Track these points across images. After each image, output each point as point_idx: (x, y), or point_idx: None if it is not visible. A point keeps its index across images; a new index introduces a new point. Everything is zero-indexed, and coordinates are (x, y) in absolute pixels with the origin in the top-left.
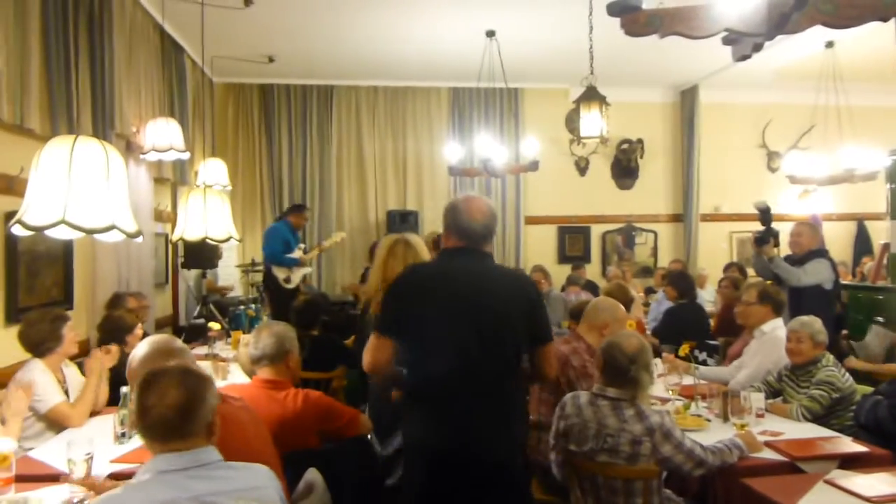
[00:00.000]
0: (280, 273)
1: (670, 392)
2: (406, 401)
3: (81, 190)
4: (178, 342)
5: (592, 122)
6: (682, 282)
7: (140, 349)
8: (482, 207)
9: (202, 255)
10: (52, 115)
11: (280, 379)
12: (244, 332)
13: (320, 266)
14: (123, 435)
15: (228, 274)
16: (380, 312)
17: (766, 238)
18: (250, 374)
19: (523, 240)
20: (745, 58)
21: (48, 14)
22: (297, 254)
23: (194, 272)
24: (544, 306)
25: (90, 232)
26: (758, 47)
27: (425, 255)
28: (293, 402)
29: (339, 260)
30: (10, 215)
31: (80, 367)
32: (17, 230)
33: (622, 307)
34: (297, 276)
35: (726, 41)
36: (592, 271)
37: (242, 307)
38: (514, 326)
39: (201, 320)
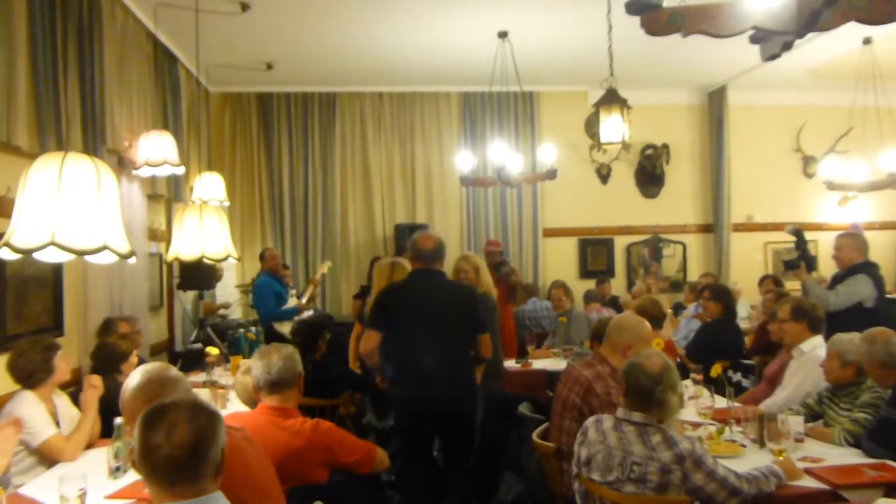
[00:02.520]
0: (282, 328)
1: (702, 416)
2: (393, 374)
3: (71, 210)
4: (173, 371)
5: (613, 126)
6: (727, 297)
7: (133, 379)
8: (432, 238)
9: (199, 275)
10: (40, 132)
11: (289, 406)
12: (244, 357)
13: (324, 285)
14: (118, 469)
15: (228, 295)
16: (370, 314)
17: (796, 263)
18: (251, 403)
19: (541, 254)
20: (774, 57)
21: (35, 25)
22: (292, 302)
23: (191, 294)
24: (480, 306)
25: (81, 253)
26: (787, 46)
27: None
28: (301, 431)
29: (343, 278)
30: None
31: (72, 396)
32: (4, 253)
33: (647, 325)
34: (305, 299)
35: (754, 39)
36: (617, 286)
37: (242, 330)
38: (458, 321)
39: (199, 345)
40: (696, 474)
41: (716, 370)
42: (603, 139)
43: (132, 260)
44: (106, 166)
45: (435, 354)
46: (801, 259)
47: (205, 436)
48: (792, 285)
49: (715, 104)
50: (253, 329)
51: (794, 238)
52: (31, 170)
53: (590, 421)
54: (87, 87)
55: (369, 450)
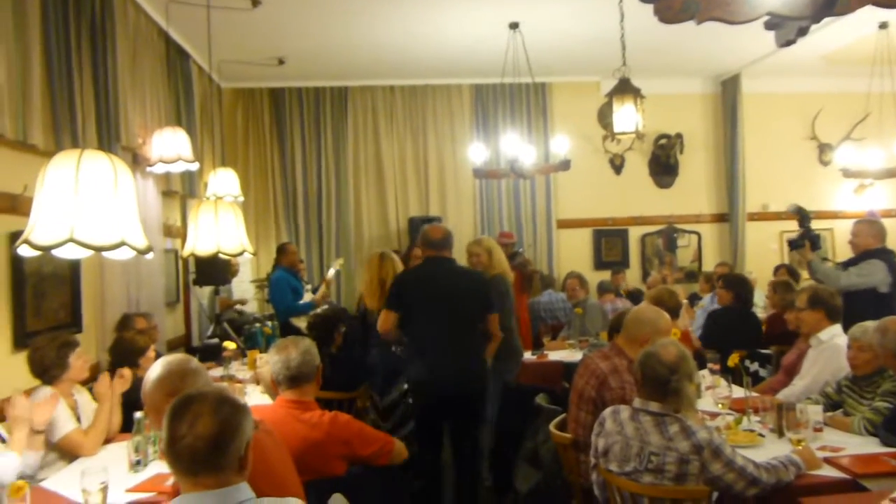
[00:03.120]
0: (298, 322)
1: (720, 406)
2: (408, 354)
3: (89, 206)
4: (194, 362)
5: (627, 116)
6: (739, 286)
7: (154, 371)
8: (440, 228)
9: (215, 270)
10: (55, 130)
11: (307, 399)
12: (261, 352)
13: (339, 279)
14: (138, 463)
15: (243, 290)
16: (388, 296)
17: (801, 242)
18: (274, 394)
19: (556, 245)
20: (789, 43)
21: (49, 24)
22: (308, 297)
23: (207, 289)
24: (489, 289)
25: (99, 249)
26: (803, 31)
27: (399, 264)
28: (320, 424)
29: (358, 272)
30: (14, 236)
31: (91, 391)
32: (24, 251)
33: (666, 317)
34: (319, 295)
35: (769, 25)
36: (632, 277)
37: (258, 325)
38: (469, 303)
39: (215, 340)
40: (714, 464)
41: (733, 360)
42: (616, 129)
43: (150, 255)
44: (122, 163)
45: (445, 336)
46: (805, 238)
47: (228, 427)
48: (805, 274)
49: (728, 92)
50: (269, 323)
51: (797, 215)
52: (49, 167)
53: (607, 411)
54: (100, 85)
55: (386, 442)
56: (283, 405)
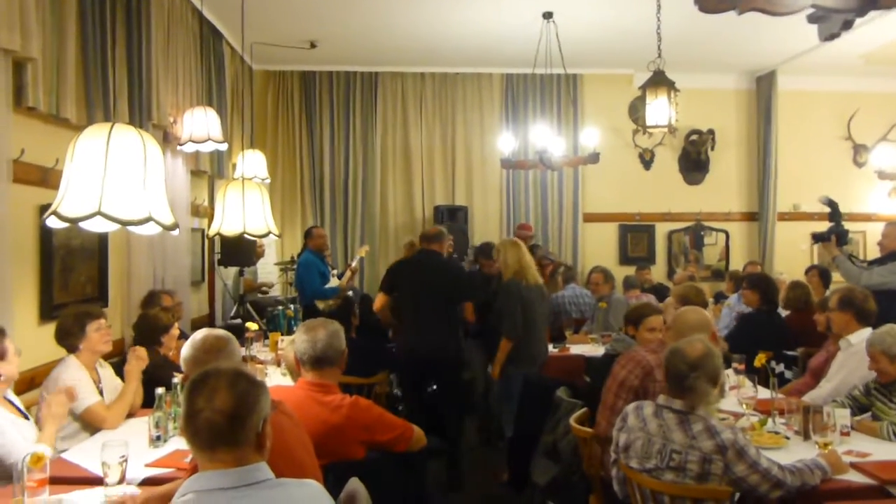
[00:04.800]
0: (322, 304)
1: (744, 406)
2: (399, 328)
3: (118, 180)
4: (223, 342)
5: (659, 110)
6: (765, 286)
7: (185, 348)
8: (436, 227)
9: (240, 252)
10: (88, 105)
11: (329, 382)
12: (282, 334)
13: (362, 267)
14: (158, 438)
15: (267, 272)
16: (382, 280)
17: (827, 236)
18: (297, 375)
19: (581, 239)
20: (832, 37)
21: (85, 1)
22: (333, 282)
23: (231, 270)
24: (466, 278)
25: (126, 224)
26: (847, 25)
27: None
28: (340, 407)
29: (382, 260)
30: (44, 208)
31: (115, 367)
32: (52, 222)
33: (708, 317)
34: (344, 280)
35: (812, 19)
36: (658, 273)
37: (281, 307)
38: (448, 289)
39: (238, 321)
40: (738, 465)
41: (760, 360)
42: (648, 122)
43: (175, 231)
44: (151, 138)
45: (426, 313)
46: (833, 232)
47: (245, 402)
48: (837, 277)
49: (763, 89)
50: (292, 306)
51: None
52: (79, 139)
53: (630, 407)
54: (134, 63)
55: (406, 429)
56: (304, 387)
